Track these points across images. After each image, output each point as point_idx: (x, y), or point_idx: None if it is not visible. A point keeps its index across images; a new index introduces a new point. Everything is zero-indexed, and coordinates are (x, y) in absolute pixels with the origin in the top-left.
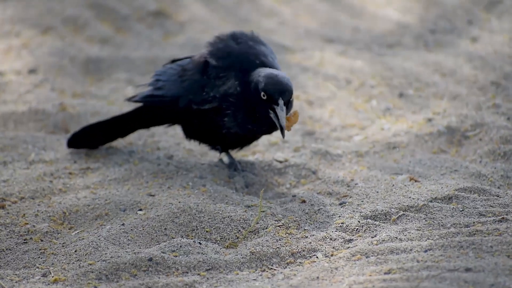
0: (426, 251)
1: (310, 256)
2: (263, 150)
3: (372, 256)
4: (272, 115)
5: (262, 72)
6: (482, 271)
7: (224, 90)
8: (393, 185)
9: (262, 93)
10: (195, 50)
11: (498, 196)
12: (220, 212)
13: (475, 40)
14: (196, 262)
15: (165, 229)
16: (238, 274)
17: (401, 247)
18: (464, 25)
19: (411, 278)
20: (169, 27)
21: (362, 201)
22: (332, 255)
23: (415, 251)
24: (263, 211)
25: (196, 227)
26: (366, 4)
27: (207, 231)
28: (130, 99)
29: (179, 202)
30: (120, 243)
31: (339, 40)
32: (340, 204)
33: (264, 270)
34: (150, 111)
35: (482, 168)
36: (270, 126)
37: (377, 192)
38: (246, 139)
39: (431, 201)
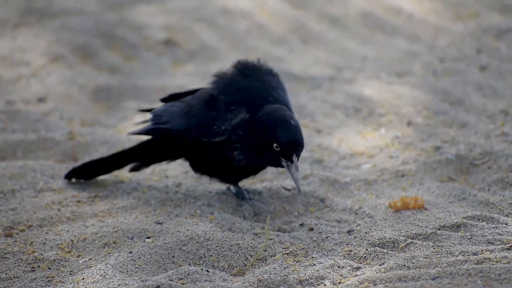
0: (434, 279)
1: (318, 284)
2: (272, 178)
3: (380, 283)
4: (284, 164)
5: (275, 117)
6: None
7: (235, 123)
8: (401, 213)
9: (275, 145)
10: (204, 79)
11: (506, 224)
12: (228, 240)
13: (484, 68)
14: None
15: (173, 256)
16: None
17: (409, 275)
18: (473, 53)
19: None
20: (178, 56)
21: (370, 229)
22: (340, 283)
23: (423, 279)
24: (271, 239)
25: (204, 254)
26: (375, 32)
27: (214, 259)
28: (133, 133)
29: (187, 230)
30: (127, 271)
31: (348, 68)
32: (348, 232)
33: None
34: (154, 145)
35: (490, 196)
36: (278, 164)
37: (385, 220)
38: (256, 169)
39: (439, 229)
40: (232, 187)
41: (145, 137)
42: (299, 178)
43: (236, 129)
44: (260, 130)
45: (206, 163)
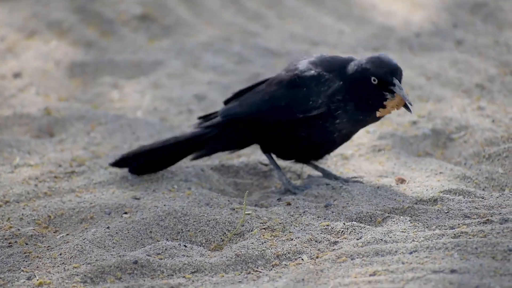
0: (411, 252)
1: (296, 258)
2: (249, 153)
3: (357, 258)
4: (389, 96)
5: (363, 60)
6: (467, 273)
7: (331, 92)
8: (378, 187)
9: (373, 78)
10: (180, 54)
11: (483, 198)
12: (205, 215)
13: (460, 43)
14: (182, 265)
15: (150, 232)
16: (223, 276)
17: (386, 249)
18: (449, 28)
19: (396, 279)
20: (154, 31)
21: (347, 204)
22: (317, 257)
23: (400, 253)
24: (248, 214)
25: (181, 229)
26: (351, 7)
27: (192, 234)
28: (203, 121)
29: (164, 205)
30: (105, 246)
31: (324, 43)
32: (326, 206)
33: (249, 273)
34: (233, 133)
35: (467, 170)
36: (383, 99)
37: (362, 194)
38: (349, 136)
39: (416, 203)
40: (279, 175)
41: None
42: (407, 95)
43: (333, 97)
44: (358, 78)
45: (291, 143)
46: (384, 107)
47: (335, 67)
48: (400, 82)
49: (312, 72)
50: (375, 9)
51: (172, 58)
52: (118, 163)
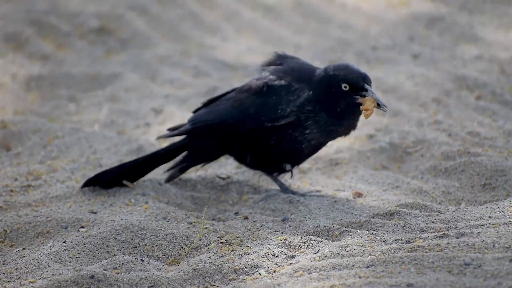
0: (368, 267)
1: (253, 273)
2: (206, 167)
3: (314, 272)
4: (360, 100)
5: (329, 67)
6: (424, 287)
7: (300, 103)
8: (336, 201)
9: (344, 85)
10: (137, 67)
11: (439, 212)
12: (163, 229)
13: (417, 56)
14: (138, 279)
15: (107, 246)
16: None
17: (343, 263)
18: (405, 41)
19: None
20: (111, 44)
21: (305, 217)
22: (274, 271)
23: (357, 267)
24: (206, 228)
25: (138, 244)
26: (308, 21)
27: (149, 248)
28: (170, 135)
29: (121, 219)
30: (61, 261)
31: None
32: (283, 220)
33: (206, 287)
34: (202, 141)
35: (423, 184)
36: (351, 120)
37: (320, 208)
38: (318, 148)
39: (373, 217)
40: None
41: (177, 139)
42: (378, 96)
43: (302, 107)
44: (327, 86)
45: (260, 152)
46: (359, 110)
47: (304, 76)
48: (369, 85)
49: (282, 81)
50: (332, 22)
51: (129, 71)
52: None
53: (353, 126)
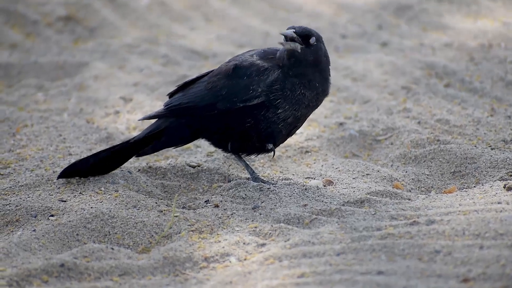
0: (338, 254)
1: (224, 261)
2: (176, 155)
3: (285, 260)
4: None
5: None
6: (394, 274)
7: (270, 81)
8: (306, 189)
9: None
10: (105, 56)
11: (409, 200)
12: (133, 217)
13: (385, 45)
14: (109, 268)
15: (77, 234)
16: (151, 279)
17: (314, 250)
18: (374, 30)
19: (324, 281)
20: (79, 33)
21: (275, 205)
22: (245, 259)
23: (327, 255)
24: (176, 216)
25: (109, 232)
26: (277, 9)
27: (119, 237)
28: (147, 117)
29: (91, 207)
30: (31, 249)
31: (250, 45)
32: (253, 208)
33: (177, 275)
34: (176, 123)
35: (393, 171)
36: (322, 84)
37: (290, 196)
38: (298, 123)
39: (343, 205)
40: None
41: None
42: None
43: (271, 86)
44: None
45: (240, 135)
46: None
47: (272, 57)
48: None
49: (252, 61)
50: (301, 11)
51: (97, 59)
52: (63, 174)
53: (323, 92)
